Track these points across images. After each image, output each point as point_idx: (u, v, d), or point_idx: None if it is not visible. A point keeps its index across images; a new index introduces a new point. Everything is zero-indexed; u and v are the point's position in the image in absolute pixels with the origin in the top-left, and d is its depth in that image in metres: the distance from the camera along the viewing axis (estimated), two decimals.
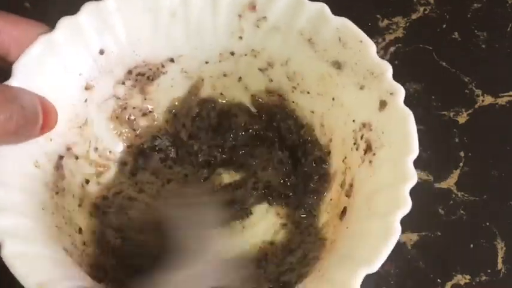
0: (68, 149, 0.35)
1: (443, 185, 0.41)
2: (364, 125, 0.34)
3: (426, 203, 0.41)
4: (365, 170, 0.34)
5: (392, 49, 0.46)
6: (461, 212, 0.40)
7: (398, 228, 0.30)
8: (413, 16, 0.47)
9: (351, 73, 0.35)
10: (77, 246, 0.34)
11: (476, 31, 0.47)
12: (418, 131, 0.43)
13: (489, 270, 0.39)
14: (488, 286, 0.38)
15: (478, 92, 0.45)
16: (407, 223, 0.40)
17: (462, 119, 0.44)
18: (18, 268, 0.28)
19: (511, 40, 0.47)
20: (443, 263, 0.39)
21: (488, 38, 0.47)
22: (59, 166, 0.34)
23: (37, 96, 0.32)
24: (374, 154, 0.33)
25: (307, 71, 0.37)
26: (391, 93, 0.33)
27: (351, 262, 0.29)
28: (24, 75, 0.32)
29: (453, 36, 0.47)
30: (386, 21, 0.47)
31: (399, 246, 0.39)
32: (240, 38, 0.37)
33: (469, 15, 0.48)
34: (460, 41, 0.47)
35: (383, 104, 0.33)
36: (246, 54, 0.37)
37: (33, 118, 0.31)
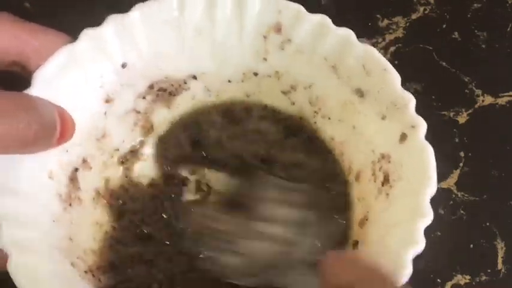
0: (84, 161, 0.35)
1: (443, 185, 0.41)
2: (383, 156, 0.34)
3: None
4: (381, 203, 0.33)
5: (392, 49, 0.46)
6: (461, 212, 0.40)
7: (409, 266, 0.29)
8: (413, 16, 0.47)
9: (373, 102, 0.34)
10: (85, 261, 0.34)
11: (476, 31, 0.47)
12: None
13: (489, 270, 0.39)
14: (488, 286, 0.38)
15: (478, 92, 0.45)
16: None
17: (462, 119, 0.44)
18: (21, 280, 0.28)
19: (511, 40, 0.47)
20: (443, 263, 0.39)
21: (488, 38, 0.46)
22: (73, 178, 0.34)
23: (56, 106, 0.31)
24: (391, 187, 0.33)
25: (330, 96, 0.36)
26: (412, 126, 0.33)
27: None
28: (44, 85, 0.32)
29: (453, 36, 0.47)
30: (386, 21, 0.47)
31: None
32: (265, 59, 0.36)
33: (469, 15, 0.48)
34: (460, 41, 0.47)
35: (403, 137, 0.33)
36: (269, 76, 0.37)
37: (51, 128, 0.31)
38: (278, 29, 0.35)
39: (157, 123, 0.38)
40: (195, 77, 0.37)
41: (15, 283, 0.28)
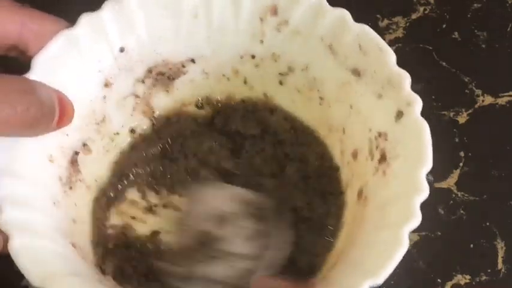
0: (84, 145, 0.35)
1: (443, 185, 0.41)
2: (380, 135, 0.34)
3: (426, 203, 0.40)
4: (378, 180, 0.33)
5: (392, 49, 0.46)
6: (461, 212, 0.40)
7: (406, 241, 0.29)
8: (413, 16, 0.47)
9: (369, 81, 0.34)
10: (86, 243, 0.34)
11: (476, 31, 0.47)
12: None
13: (489, 270, 0.39)
14: (488, 286, 0.38)
15: (478, 92, 0.45)
16: None
17: (462, 119, 0.44)
18: (22, 261, 0.28)
19: (511, 40, 0.47)
20: (443, 263, 0.39)
21: (488, 38, 0.47)
22: (74, 162, 0.35)
23: (55, 90, 0.32)
24: (388, 165, 0.33)
25: (327, 77, 0.36)
26: (408, 104, 0.33)
27: (358, 272, 0.29)
28: (43, 70, 0.32)
29: (453, 36, 0.47)
30: (386, 21, 0.47)
31: None
32: (261, 41, 0.37)
33: (469, 15, 0.48)
34: (460, 41, 0.47)
35: (399, 115, 0.33)
36: (266, 58, 0.37)
37: (50, 112, 0.31)
38: (274, 10, 0.35)
39: (156, 107, 0.39)
40: (193, 61, 0.38)
41: (17, 264, 0.28)
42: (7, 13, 0.32)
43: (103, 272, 0.34)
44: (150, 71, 0.37)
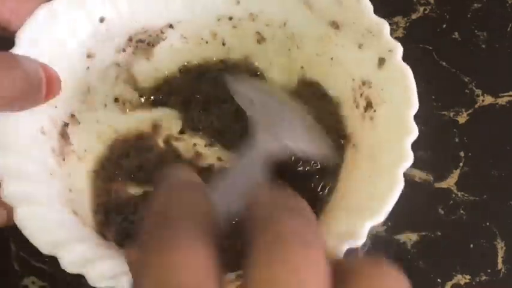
0: (73, 115, 0.36)
1: (443, 185, 0.41)
2: (363, 83, 0.35)
3: (426, 203, 0.41)
4: (366, 127, 0.34)
5: None
6: (461, 212, 0.40)
7: (401, 179, 0.30)
8: (413, 16, 0.47)
9: (349, 32, 0.35)
10: (86, 211, 0.34)
11: (476, 31, 0.47)
12: (418, 131, 0.43)
13: (489, 270, 0.39)
14: (488, 286, 0.38)
15: (478, 92, 0.45)
16: (407, 223, 0.40)
17: (462, 119, 0.44)
18: (30, 230, 0.29)
19: (511, 40, 0.47)
20: (443, 263, 0.39)
21: (488, 38, 0.46)
22: (64, 133, 0.35)
23: (40, 63, 0.32)
24: (375, 111, 0.34)
25: (306, 32, 0.37)
26: (389, 51, 0.34)
27: (357, 214, 0.30)
28: (27, 44, 0.32)
29: (453, 36, 0.47)
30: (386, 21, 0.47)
31: (399, 246, 0.39)
32: (237, 2, 0.37)
33: (469, 15, 0.48)
34: (460, 41, 0.47)
35: (382, 62, 0.34)
36: (244, 18, 0.38)
37: (37, 84, 0.31)
38: None
39: (137, 75, 0.39)
40: (171, 26, 0.38)
41: (24, 233, 0.29)
42: None
43: (105, 237, 0.34)
44: (130, 39, 0.37)
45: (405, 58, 0.45)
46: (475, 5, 0.48)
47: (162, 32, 0.38)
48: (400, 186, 0.30)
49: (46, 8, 0.33)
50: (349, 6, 0.35)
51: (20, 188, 0.30)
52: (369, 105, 0.34)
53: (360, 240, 0.29)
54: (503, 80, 0.45)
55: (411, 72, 0.33)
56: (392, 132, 0.32)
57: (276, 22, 0.38)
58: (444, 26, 0.47)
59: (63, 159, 0.35)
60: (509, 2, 0.48)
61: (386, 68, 0.34)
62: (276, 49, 0.39)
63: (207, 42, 0.39)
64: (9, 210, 0.30)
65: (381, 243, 0.39)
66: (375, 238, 0.39)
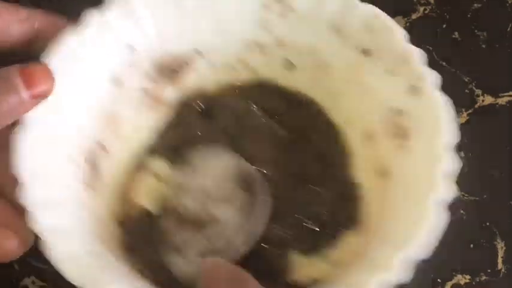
0: (101, 145, 0.35)
1: None
2: (395, 111, 0.34)
3: None
4: (399, 156, 0.34)
5: None
6: (461, 212, 0.40)
7: (433, 210, 0.30)
8: (413, 16, 0.47)
9: (379, 59, 0.35)
10: (115, 240, 0.34)
11: (476, 31, 0.47)
12: None
13: (489, 270, 0.39)
14: (488, 286, 0.38)
15: (478, 92, 0.45)
16: None
17: (462, 119, 0.44)
18: (68, 270, 0.29)
19: (511, 40, 0.47)
20: (443, 263, 0.39)
21: (488, 38, 0.46)
22: (92, 163, 0.34)
23: (16, 66, 0.30)
24: (407, 139, 0.33)
25: (335, 59, 0.36)
26: (421, 79, 0.33)
27: (390, 245, 0.30)
28: (55, 70, 0.32)
29: (453, 36, 0.47)
30: None
31: None
32: (266, 29, 0.37)
33: (469, 15, 0.48)
34: (460, 41, 0.47)
35: (413, 90, 0.33)
36: (273, 46, 0.37)
37: (7, 85, 0.30)
38: None
39: (165, 102, 0.38)
40: (199, 53, 0.37)
41: (60, 272, 0.29)
42: (10, 12, 0.32)
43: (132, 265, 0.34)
44: (157, 65, 0.37)
45: None
46: (475, 5, 0.48)
47: (190, 59, 0.38)
48: (431, 217, 0.30)
49: (75, 34, 0.32)
50: (380, 33, 0.34)
51: (53, 221, 0.30)
52: (400, 133, 0.34)
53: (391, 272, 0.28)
54: (503, 80, 0.45)
55: (443, 100, 0.32)
56: (426, 162, 0.32)
57: (305, 49, 0.37)
58: (444, 26, 0.47)
59: (93, 190, 0.34)
60: (509, 2, 0.48)
61: (419, 97, 0.33)
62: (305, 76, 0.38)
63: (235, 69, 0.39)
64: (23, 239, 0.29)
65: None
66: None
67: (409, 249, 0.29)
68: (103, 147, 0.35)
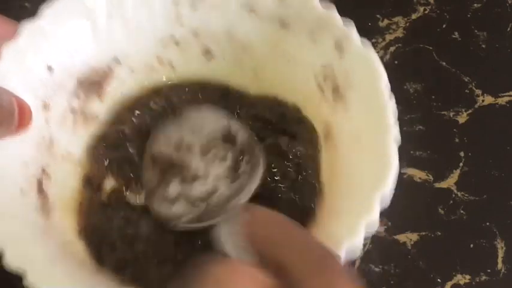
0: (43, 171, 0.35)
1: (443, 185, 0.41)
2: (326, 72, 0.35)
3: (426, 203, 0.41)
4: (340, 113, 0.34)
5: (392, 49, 0.46)
6: (461, 212, 0.40)
7: (396, 153, 0.31)
8: (413, 16, 0.47)
9: (298, 28, 0.35)
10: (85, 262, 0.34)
11: (476, 31, 0.47)
12: (418, 130, 0.43)
13: (489, 270, 0.39)
14: (488, 286, 0.38)
15: (478, 92, 0.45)
16: (407, 223, 0.40)
17: (462, 119, 0.44)
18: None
19: (511, 40, 0.47)
20: (443, 263, 0.39)
21: (488, 38, 0.46)
22: (41, 190, 0.34)
23: (13, 95, 0.32)
24: (344, 95, 0.34)
25: (254, 37, 0.37)
26: (344, 35, 0.34)
27: (363, 191, 0.31)
28: None
29: (453, 36, 0.47)
30: (386, 21, 0.47)
31: (399, 246, 0.39)
32: (180, 23, 0.37)
33: (469, 15, 0.48)
34: (460, 41, 0.47)
35: (340, 50, 0.34)
36: (189, 38, 0.38)
37: (10, 116, 0.31)
38: None
39: (92, 117, 0.38)
40: (117, 61, 0.38)
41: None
42: None
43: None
44: (80, 82, 0.37)
45: (405, 58, 0.46)
46: (475, 5, 0.48)
47: (110, 69, 0.38)
48: (395, 160, 0.30)
49: None
50: (293, 3, 0.35)
51: (22, 253, 0.30)
52: (336, 89, 0.34)
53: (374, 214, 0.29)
54: (503, 80, 0.45)
55: (372, 50, 0.33)
56: (371, 111, 0.32)
57: (221, 35, 0.37)
58: (444, 26, 0.47)
59: (48, 216, 0.34)
60: (509, 2, 0.48)
61: (347, 54, 0.34)
62: (226, 62, 0.38)
63: (155, 68, 0.39)
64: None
65: (381, 244, 0.39)
66: (375, 238, 0.39)
67: (384, 189, 0.30)
68: (47, 174, 0.35)
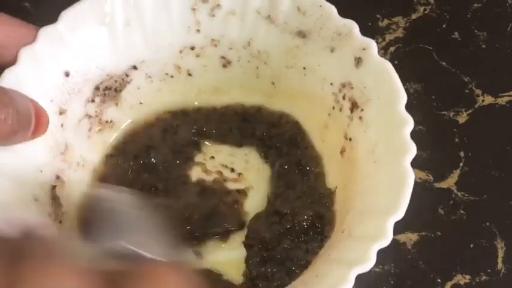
0: (58, 177, 0.35)
1: (443, 185, 0.41)
2: (343, 85, 0.35)
3: (426, 203, 0.40)
4: (357, 128, 0.34)
5: (392, 49, 0.46)
6: (461, 212, 0.40)
7: (411, 171, 0.30)
8: (413, 16, 0.47)
9: (317, 39, 0.35)
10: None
11: (476, 31, 0.47)
12: (418, 131, 0.43)
13: (489, 270, 0.39)
14: (488, 286, 0.38)
15: (478, 92, 0.45)
16: (407, 223, 0.40)
17: (462, 119, 0.44)
18: None
19: (511, 40, 0.47)
20: (443, 263, 0.39)
21: (488, 38, 0.46)
22: (54, 196, 0.34)
23: (30, 99, 0.32)
24: (362, 110, 0.34)
25: (272, 47, 0.37)
26: (363, 49, 0.34)
27: (376, 214, 0.30)
28: None
29: (453, 36, 0.47)
30: (386, 21, 0.47)
31: (399, 246, 0.39)
32: (198, 31, 0.37)
33: (469, 15, 0.48)
34: (460, 41, 0.47)
35: (358, 61, 0.34)
36: (206, 46, 0.38)
37: (27, 122, 0.31)
38: None
39: (109, 123, 0.39)
40: (135, 67, 0.38)
41: None
42: None
43: None
44: (97, 88, 0.37)
45: (405, 58, 0.46)
46: (475, 5, 0.48)
47: (126, 75, 0.38)
48: (411, 179, 0.30)
49: (8, 75, 0.32)
50: (313, 13, 0.34)
51: None
52: (354, 106, 0.34)
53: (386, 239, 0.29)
54: (503, 80, 0.45)
55: (391, 65, 0.33)
56: (387, 126, 0.32)
57: (239, 43, 0.37)
58: (444, 26, 0.47)
59: (60, 222, 0.34)
60: (509, 2, 0.48)
61: (365, 66, 0.34)
62: (243, 71, 0.38)
63: (172, 76, 0.39)
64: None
65: None
66: None
67: (397, 214, 0.30)
68: (61, 180, 0.35)
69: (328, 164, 0.37)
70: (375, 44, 0.33)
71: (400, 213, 0.30)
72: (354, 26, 0.34)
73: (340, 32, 0.34)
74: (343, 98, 0.35)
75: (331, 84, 0.35)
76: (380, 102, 0.33)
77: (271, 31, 0.36)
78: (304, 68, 0.36)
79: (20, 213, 0.31)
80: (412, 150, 0.31)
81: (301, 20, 0.35)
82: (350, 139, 0.35)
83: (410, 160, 0.30)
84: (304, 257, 0.34)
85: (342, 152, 0.36)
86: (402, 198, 0.30)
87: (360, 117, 0.34)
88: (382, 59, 0.33)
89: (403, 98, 0.32)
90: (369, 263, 0.29)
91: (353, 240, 0.31)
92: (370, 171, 0.33)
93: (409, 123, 0.31)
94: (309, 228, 0.36)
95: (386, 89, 0.33)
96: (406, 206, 0.30)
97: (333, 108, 0.36)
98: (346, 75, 0.34)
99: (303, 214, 0.36)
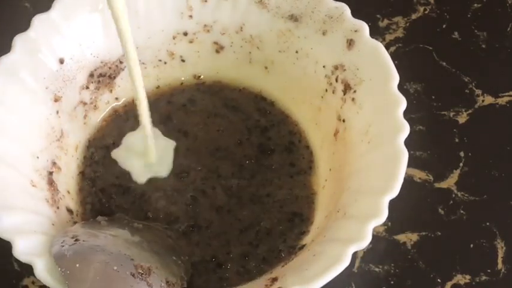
0: (54, 163, 0.35)
1: (443, 185, 0.41)
2: (336, 68, 0.35)
3: (426, 203, 0.40)
4: (350, 109, 0.34)
5: (392, 49, 0.46)
6: (461, 212, 0.40)
7: (404, 150, 0.31)
8: (413, 16, 0.47)
9: (309, 22, 0.35)
10: None
11: (476, 31, 0.47)
12: (418, 131, 0.43)
13: (489, 270, 0.39)
14: (488, 286, 0.38)
15: (478, 92, 0.45)
16: (407, 223, 0.40)
17: (462, 119, 0.44)
18: (53, 280, 0.29)
19: (511, 40, 0.47)
20: (443, 263, 0.39)
21: (488, 38, 0.46)
22: (51, 182, 0.35)
23: None
24: (355, 91, 0.34)
25: (264, 31, 0.37)
26: (355, 31, 0.34)
27: (371, 193, 0.30)
28: None
29: (453, 36, 0.47)
30: (386, 21, 0.47)
31: (399, 246, 0.39)
32: (190, 16, 0.37)
33: (469, 15, 0.48)
34: (460, 41, 0.47)
35: (351, 42, 0.34)
36: (199, 31, 0.38)
37: None
38: None
39: (104, 109, 0.39)
40: None
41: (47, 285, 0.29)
42: None
43: None
44: (91, 75, 0.37)
45: (405, 58, 0.46)
46: (475, 5, 0.48)
47: (120, 62, 0.38)
48: (405, 158, 0.30)
49: (2, 63, 0.33)
50: None
51: (33, 243, 0.30)
52: (347, 88, 0.35)
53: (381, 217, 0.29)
54: (503, 80, 0.45)
55: (383, 47, 0.33)
56: (380, 107, 0.32)
57: (232, 28, 0.38)
58: (444, 26, 0.47)
59: (58, 208, 0.34)
60: (509, 2, 0.48)
61: (357, 47, 0.34)
62: (236, 56, 0.39)
63: (165, 62, 0.39)
64: None
65: (381, 243, 0.39)
66: (375, 238, 0.39)
67: (392, 193, 0.30)
68: (57, 166, 0.36)
69: (320, 149, 0.38)
70: (367, 26, 0.34)
71: (394, 192, 0.30)
72: (345, 9, 0.34)
73: (332, 15, 0.34)
74: (336, 80, 0.35)
75: (324, 66, 0.36)
76: (372, 83, 0.33)
77: (263, 15, 0.36)
78: (296, 52, 0.37)
79: (18, 198, 0.32)
80: (406, 129, 0.31)
81: (293, 4, 0.35)
82: (343, 120, 0.35)
83: (403, 139, 0.31)
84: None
85: (336, 133, 0.36)
86: (396, 176, 0.30)
87: (353, 99, 0.34)
88: (374, 41, 0.34)
89: (396, 78, 0.32)
90: (365, 241, 0.29)
91: (348, 219, 0.31)
92: (364, 151, 0.33)
93: (402, 103, 0.32)
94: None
95: (379, 70, 0.33)
96: (401, 184, 0.30)
97: (326, 90, 0.36)
98: (339, 57, 0.35)
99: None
